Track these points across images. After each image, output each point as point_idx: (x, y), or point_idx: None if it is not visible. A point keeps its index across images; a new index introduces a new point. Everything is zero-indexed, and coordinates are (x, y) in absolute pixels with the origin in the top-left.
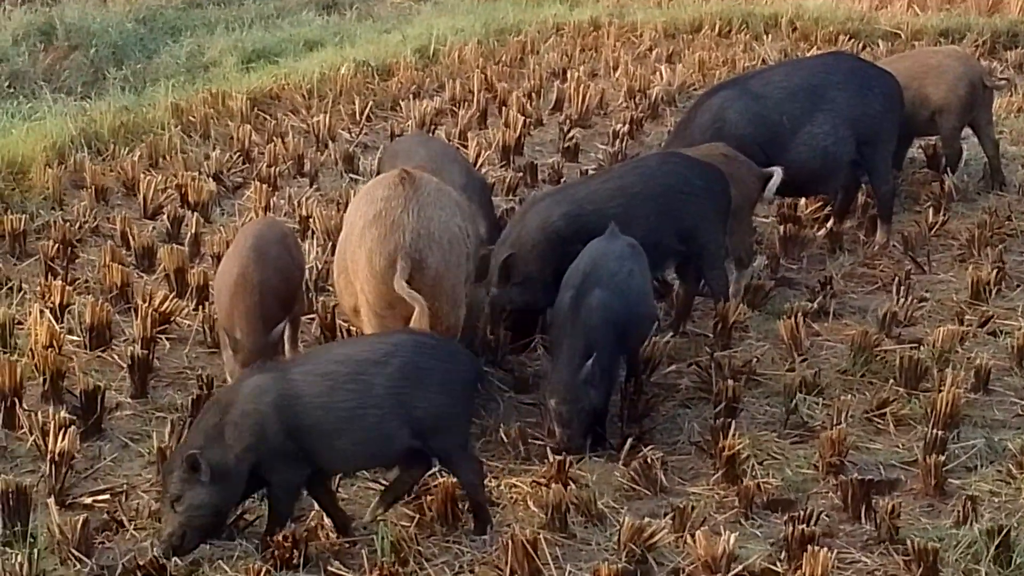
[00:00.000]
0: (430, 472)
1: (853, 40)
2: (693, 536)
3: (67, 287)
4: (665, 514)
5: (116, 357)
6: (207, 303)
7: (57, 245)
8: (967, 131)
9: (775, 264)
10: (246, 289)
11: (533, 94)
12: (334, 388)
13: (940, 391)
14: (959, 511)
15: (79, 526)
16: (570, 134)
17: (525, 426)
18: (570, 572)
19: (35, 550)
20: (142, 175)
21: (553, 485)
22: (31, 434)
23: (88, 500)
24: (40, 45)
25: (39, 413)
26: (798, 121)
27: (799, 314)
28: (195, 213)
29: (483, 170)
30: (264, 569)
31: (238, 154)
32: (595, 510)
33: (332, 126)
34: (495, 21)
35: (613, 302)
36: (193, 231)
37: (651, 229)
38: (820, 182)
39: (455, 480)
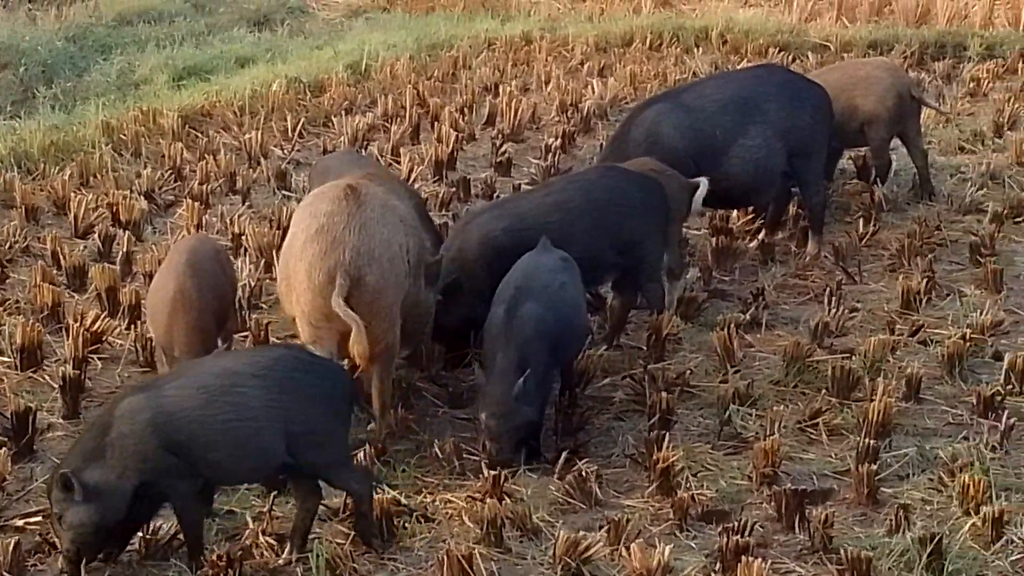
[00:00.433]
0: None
1: (783, 52)
2: (628, 549)
3: None
4: (600, 527)
5: (47, 378)
6: (139, 322)
7: None
8: (896, 142)
9: (708, 276)
10: (184, 306)
11: (465, 109)
12: (209, 401)
13: (872, 400)
14: (891, 520)
15: (11, 548)
16: (503, 149)
17: (460, 441)
18: None
19: None
20: (73, 194)
21: (488, 500)
22: None
23: (20, 522)
24: None
25: None
26: (731, 134)
27: (732, 326)
28: (127, 232)
29: (416, 185)
30: None
31: (170, 172)
32: (530, 524)
33: (264, 143)
34: (427, 36)
35: (546, 315)
36: (125, 250)
37: (590, 243)
38: (752, 194)
39: (389, 496)
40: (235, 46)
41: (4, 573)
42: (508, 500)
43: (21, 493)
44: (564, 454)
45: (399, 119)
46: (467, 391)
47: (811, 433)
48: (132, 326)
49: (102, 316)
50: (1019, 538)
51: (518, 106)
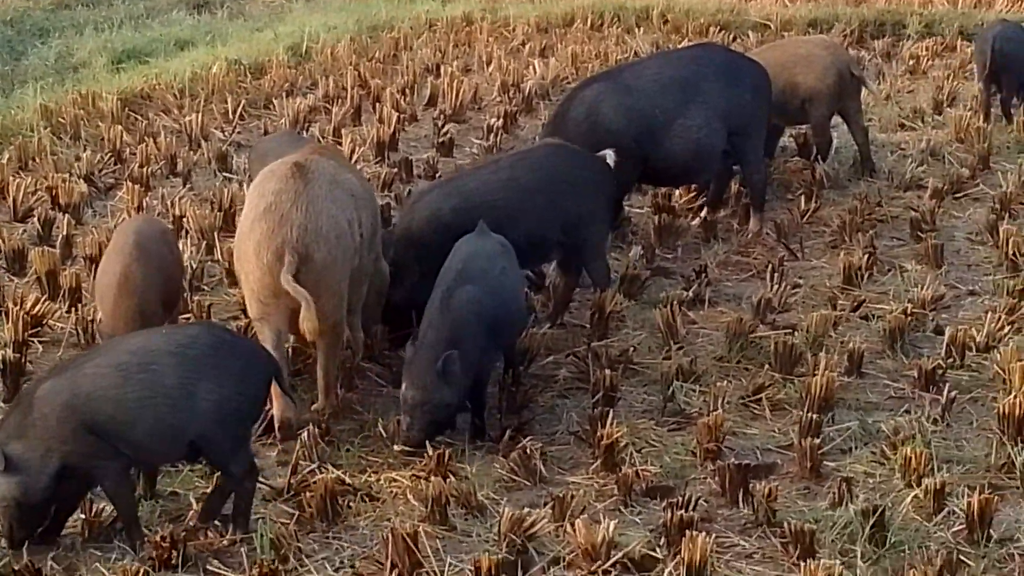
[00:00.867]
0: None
1: (724, 31)
2: (573, 525)
3: None
4: (545, 504)
5: None
6: (80, 305)
7: None
8: (837, 119)
9: (650, 254)
10: (129, 289)
11: (407, 90)
12: (126, 379)
13: (814, 375)
14: (835, 493)
15: None
16: (444, 129)
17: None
18: (451, 564)
19: None
20: (11, 178)
21: (432, 478)
22: None
23: None
24: None
25: None
26: (671, 113)
27: (675, 303)
28: (66, 215)
29: (358, 166)
30: (142, 570)
31: (109, 155)
32: (475, 502)
33: (205, 125)
34: (368, 18)
35: (485, 299)
36: (65, 233)
37: (538, 221)
38: (693, 173)
39: (334, 476)
40: (174, 29)
41: None
42: (453, 478)
43: None
44: (508, 432)
45: (340, 101)
46: None
47: (754, 408)
48: (72, 309)
49: (42, 299)
50: (960, 509)
51: (459, 87)
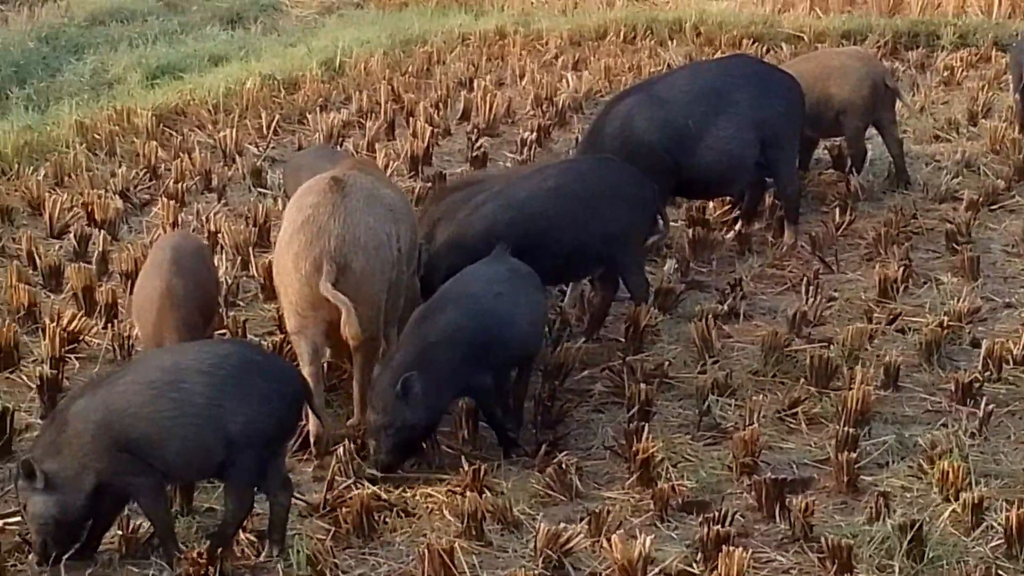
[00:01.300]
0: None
1: (757, 44)
2: (609, 540)
3: None
4: (581, 519)
5: (25, 378)
6: (116, 321)
7: None
8: (871, 131)
9: (685, 267)
10: (172, 303)
11: (440, 104)
12: (157, 397)
13: (851, 389)
14: (872, 507)
15: None
16: (478, 143)
17: (439, 435)
18: None
19: None
20: (47, 194)
21: (468, 493)
22: None
23: None
24: None
25: None
26: (703, 125)
27: (710, 316)
28: (102, 231)
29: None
30: None
31: (144, 171)
32: (511, 517)
33: (239, 140)
34: (400, 32)
35: (464, 323)
36: (100, 249)
37: (581, 231)
38: (726, 185)
39: (369, 492)
40: (208, 44)
41: None
42: (488, 493)
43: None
44: (544, 447)
45: (374, 115)
46: None
47: (790, 422)
48: (109, 325)
49: (79, 315)
50: (999, 524)
51: (493, 100)
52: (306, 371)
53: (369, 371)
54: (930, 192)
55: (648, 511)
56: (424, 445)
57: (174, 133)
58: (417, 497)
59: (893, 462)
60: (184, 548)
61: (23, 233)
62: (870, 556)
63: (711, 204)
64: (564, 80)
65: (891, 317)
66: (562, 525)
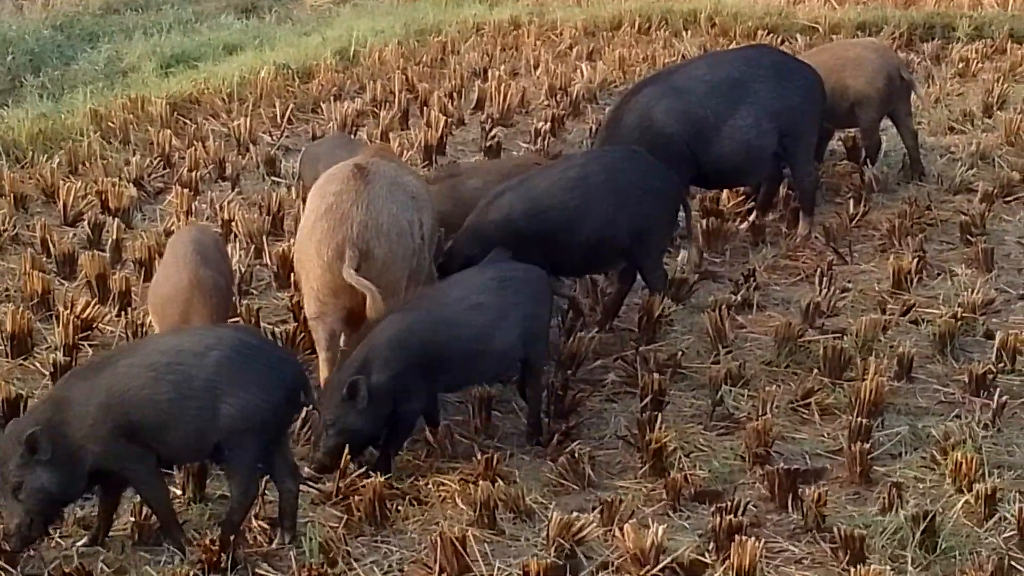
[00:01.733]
0: (359, 472)
1: (771, 35)
2: (622, 529)
3: None
4: (593, 508)
5: (38, 365)
6: (130, 309)
7: None
8: (886, 122)
9: (699, 257)
10: (202, 295)
11: (454, 94)
12: (157, 379)
13: (864, 380)
14: (884, 498)
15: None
16: (492, 133)
17: (452, 423)
18: (499, 568)
19: None
20: (61, 182)
21: (481, 482)
22: None
23: None
24: None
25: None
26: (722, 115)
27: (723, 307)
28: (116, 219)
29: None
30: (191, 573)
31: (158, 159)
32: (523, 506)
33: (253, 129)
34: (415, 22)
35: (427, 331)
36: (114, 237)
37: (607, 224)
38: (743, 175)
39: (382, 480)
40: (223, 33)
41: None
42: (501, 482)
43: None
44: (557, 436)
45: (388, 105)
46: None
47: (803, 413)
48: (122, 313)
49: (92, 303)
50: (1011, 515)
51: (507, 90)
52: (322, 356)
53: None
54: (944, 184)
55: (661, 501)
56: (438, 432)
57: (188, 122)
58: (429, 485)
59: (906, 453)
60: (197, 535)
61: (37, 221)
62: (883, 547)
63: (725, 194)
64: (578, 70)
65: (905, 308)
66: (574, 514)
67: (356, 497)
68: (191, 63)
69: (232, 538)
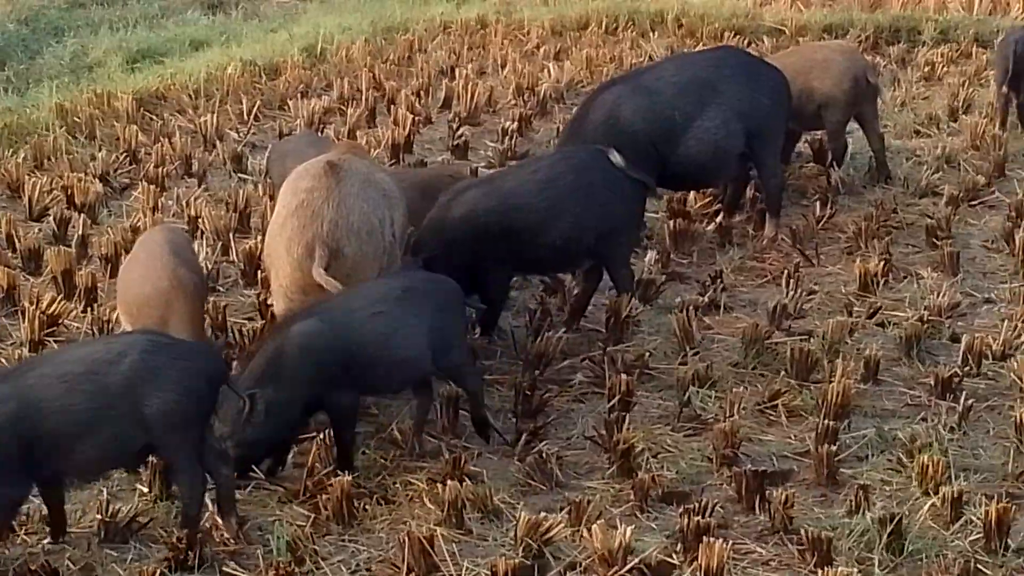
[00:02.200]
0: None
1: (738, 36)
2: (589, 530)
3: None
4: (561, 508)
5: (3, 361)
6: (96, 305)
7: None
8: (853, 125)
9: (666, 259)
10: (183, 295)
11: (422, 92)
12: (70, 390)
13: (831, 382)
14: (851, 500)
15: None
16: (459, 132)
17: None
18: (467, 568)
19: None
20: (27, 176)
21: (448, 481)
22: None
23: None
24: None
25: None
26: (689, 116)
27: (690, 308)
28: (82, 214)
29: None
30: (159, 571)
31: (125, 155)
32: (491, 506)
33: (220, 126)
34: (382, 19)
35: (322, 339)
36: (80, 232)
37: (574, 225)
38: (710, 176)
39: (350, 479)
40: (189, 29)
41: None
42: (468, 482)
43: None
44: (524, 436)
45: (355, 102)
46: None
47: (770, 415)
48: (88, 309)
49: (58, 299)
50: (978, 518)
51: (474, 90)
52: None
53: None
54: (910, 187)
55: (628, 501)
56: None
57: (154, 117)
58: (397, 485)
59: (873, 455)
60: (164, 534)
61: (2, 215)
62: (849, 548)
63: (692, 195)
64: (546, 70)
65: (871, 311)
66: (542, 514)
67: (324, 496)
68: (157, 59)
69: (197, 534)
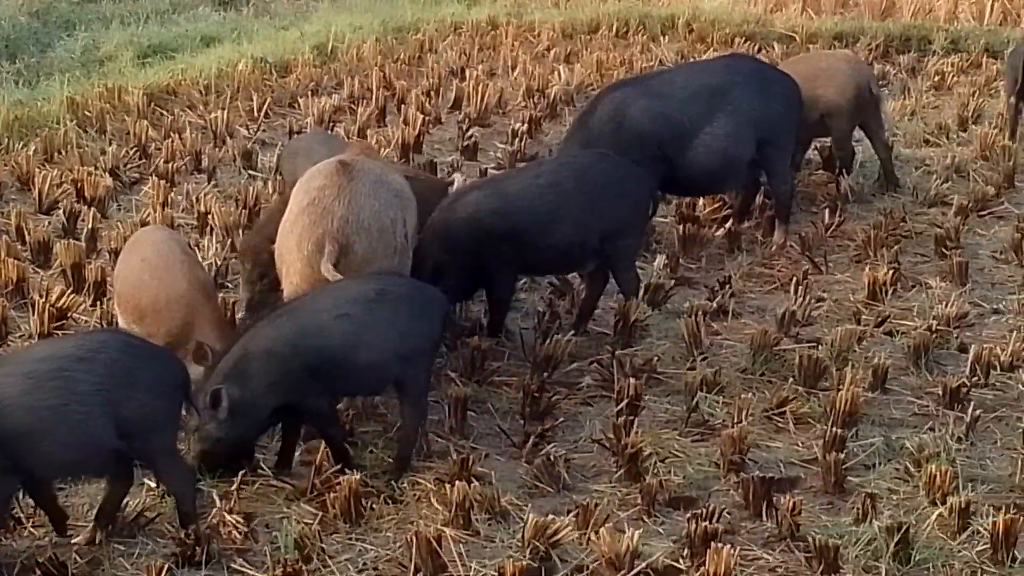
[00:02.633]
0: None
1: (749, 42)
2: (597, 533)
3: None
4: (568, 511)
5: None
6: (104, 299)
7: None
8: (860, 133)
9: (675, 264)
10: (206, 296)
11: (432, 92)
12: (37, 387)
13: (839, 390)
14: (858, 508)
15: None
16: (469, 133)
17: (428, 423)
18: (475, 569)
19: None
20: (37, 169)
21: (456, 482)
22: None
23: None
24: None
25: None
26: (699, 121)
27: (699, 313)
28: (91, 208)
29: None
30: (166, 566)
31: (135, 149)
32: (499, 507)
33: (230, 122)
34: (393, 19)
35: (288, 339)
36: (90, 226)
37: (578, 228)
38: (719, 182)
39: (358, 477)
40: (200, 25)
41: None
42: (476, 483)
43: None
44: (532, 438)
45: (365, 101)
46: (434, 372)
47: (778, 421)
48: (97, 302)
49: (67, 292)
50: (985, 529)
51: (484, 90)
52: None
53: None
54: (920, 196)
55: (635, 505)
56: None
57: (165, 113)
58: (405, 484)
59: (880, 464)
60: (171, 529)
61: (12, 208)
62: (856, 557)
63: (701, 201)
64: (556, 72)
65: (879, 320)
66: (550, 517)
67: (331, 494)
68: (168, 54)
69: (201, 527)
